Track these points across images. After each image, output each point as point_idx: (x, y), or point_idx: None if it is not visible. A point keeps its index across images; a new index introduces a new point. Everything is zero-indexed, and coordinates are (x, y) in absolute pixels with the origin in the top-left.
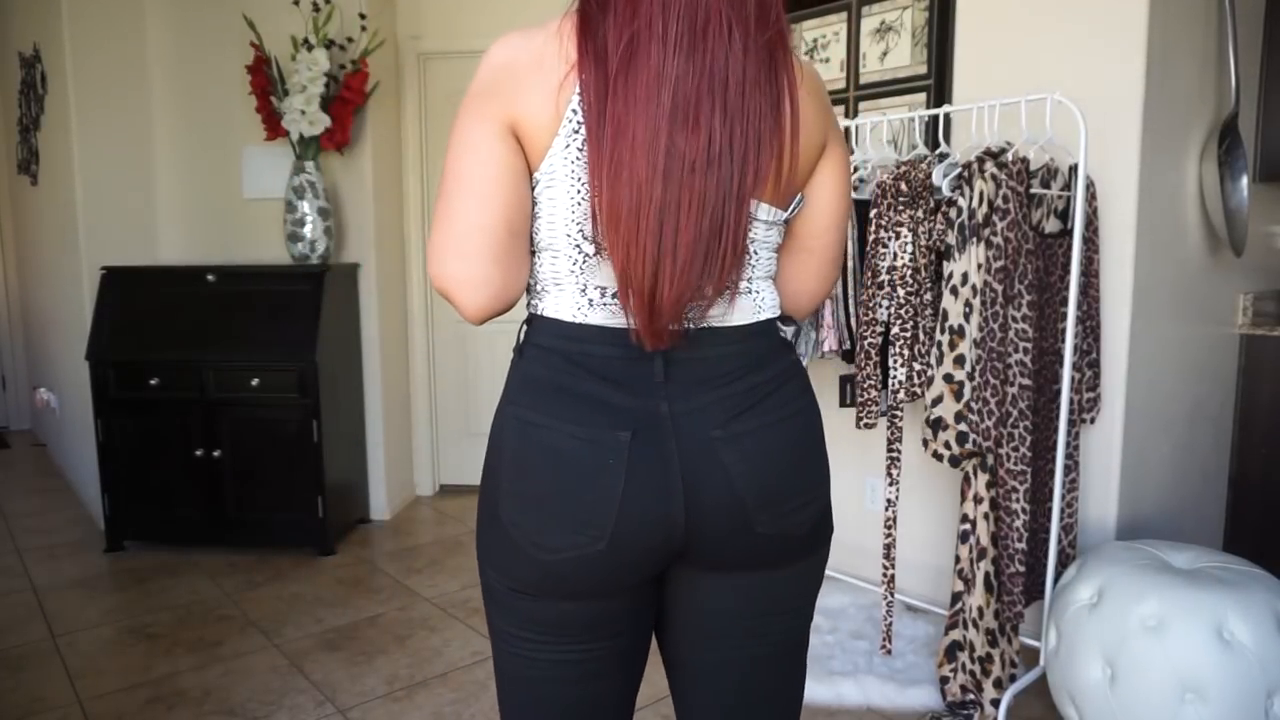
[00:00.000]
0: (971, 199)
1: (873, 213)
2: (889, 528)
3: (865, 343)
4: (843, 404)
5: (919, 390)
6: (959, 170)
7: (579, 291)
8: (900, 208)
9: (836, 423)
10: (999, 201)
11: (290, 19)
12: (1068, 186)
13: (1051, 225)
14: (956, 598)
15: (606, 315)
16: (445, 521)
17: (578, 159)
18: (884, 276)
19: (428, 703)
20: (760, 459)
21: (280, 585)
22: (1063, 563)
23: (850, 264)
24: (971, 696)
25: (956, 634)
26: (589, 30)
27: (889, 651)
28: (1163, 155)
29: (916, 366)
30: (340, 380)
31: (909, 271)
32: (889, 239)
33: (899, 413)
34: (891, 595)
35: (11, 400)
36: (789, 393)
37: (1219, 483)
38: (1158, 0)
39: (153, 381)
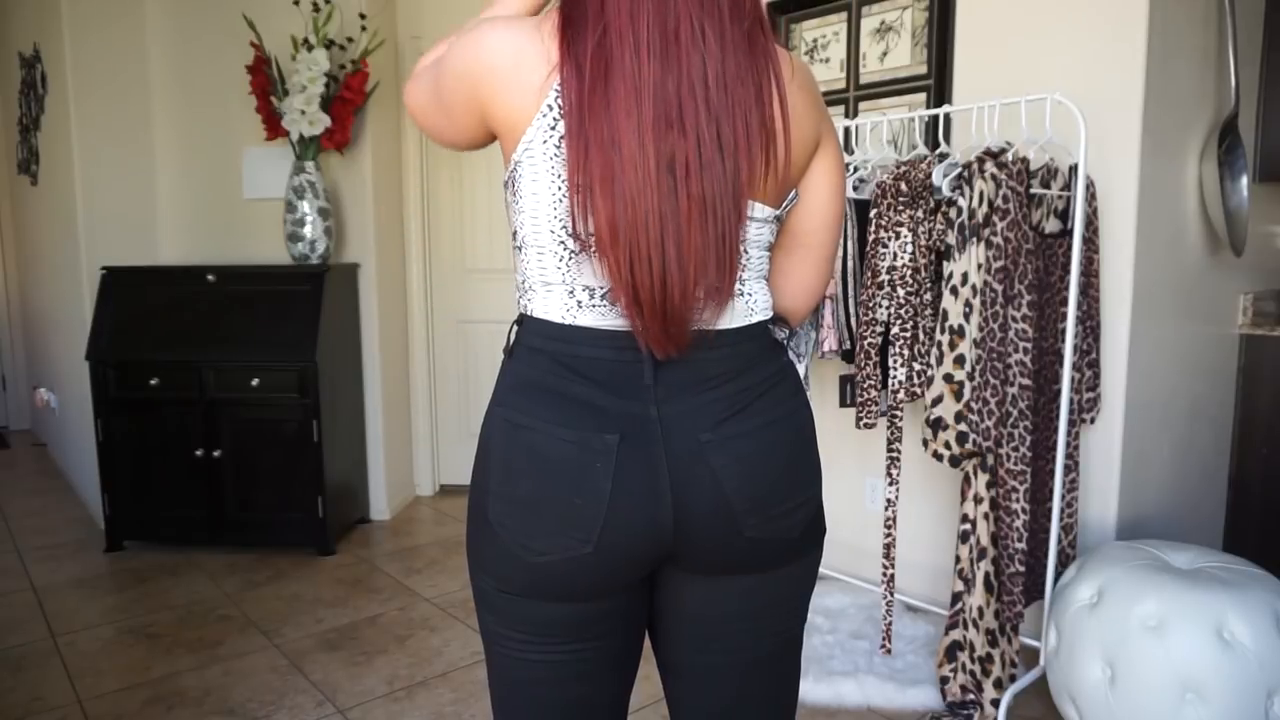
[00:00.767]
0: (971, 199)
1: (873, 213)
2: (889, 528)
3: (865, 343)
4: (843, 404)
5: (919, 390)
6: (959, 170)
7: (567, 293)
8: (900, 208)
9: (836, 423)
10: (999, 201)
11: (290, 19)
12: (1068, 186)
13: (1051, 225)
14: (956, 598)
15: (596, 317)
16: (445, 521)
17: (556, 154)
18: (884, 276)
19: (428, 703)
20: (749, 462)
21: (280, 585)
22: (1063, 563)
23: (850, 264)
24: (971, 696)
25: (956, 634)
26: (569, 37)
27: (889, 651)
28: (1163, 155)
29: (916, 366)
30: (340, 380)
31: (909, 271)
32: (889, 239)
33: (899, 413)
34: (891, 595)
35: (11, 400)
36: (780, 395)
37: (1219, 482)
38: (1158, 0)
39: (153, 381)
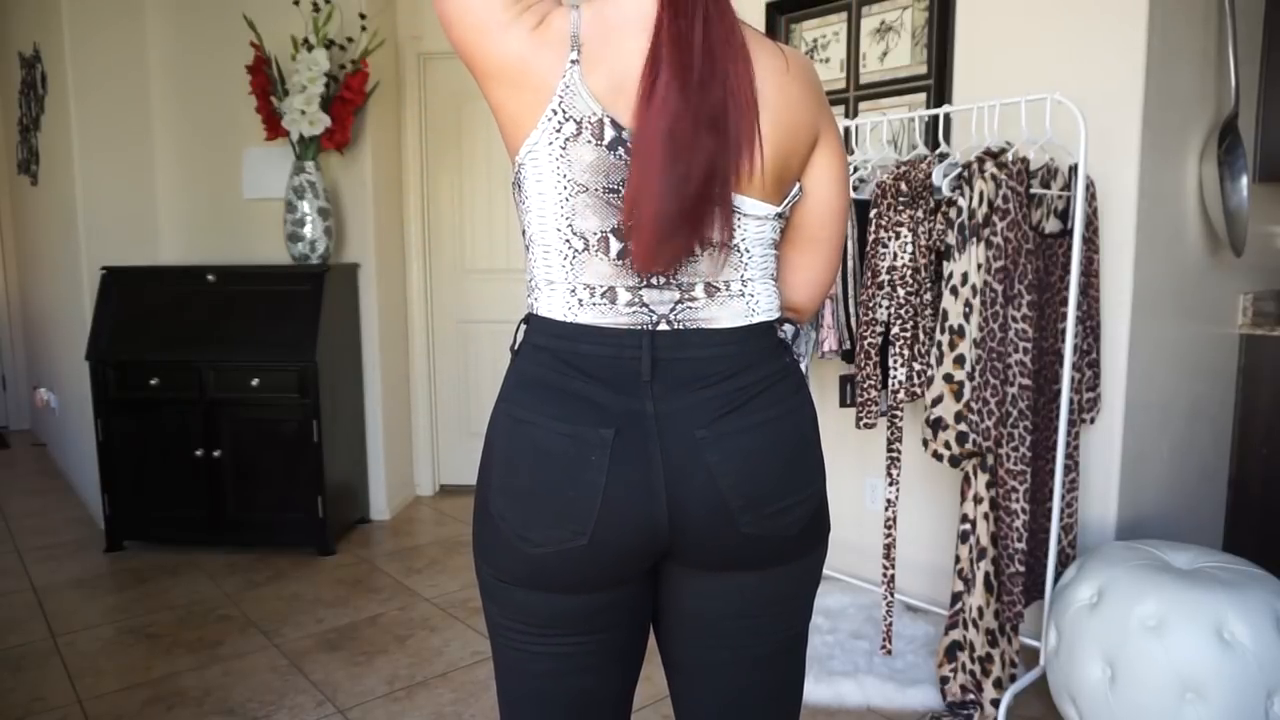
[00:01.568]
0: (971, 199)
1: (873, 213)
2: (889, 528)
3: (865, 343)
4: (843, 404)
5: (919, 390)
6: (959, 170)
7: (569, 291)
8: (900, 208)
9: (836, 423)
10: (999, 201)
11: (290, 19)
12: (1068, 186)
13: (1051, 225)
14: (956, 598)
15: (596, 315)
16: (445, 521)
17: (561, 156)
18: (884, 276)
19: (428, 703)
20: (745, 459)
21: (280, 585)
22: (1063, 563)
23: (850, 264)
24: (971, 696)
25: (956, 634)
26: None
27: (889, 651)
28: (1163, 155)
29: (916, 366)
30: (340, 380)
31: (909, 271)
32: (889, 239)
33: (899, 413)
34: (891, 595)
35: (11, 400)
36: (779, 393)
37: (1219, 483)
38: (1157, 0)
39: (153, 381)
